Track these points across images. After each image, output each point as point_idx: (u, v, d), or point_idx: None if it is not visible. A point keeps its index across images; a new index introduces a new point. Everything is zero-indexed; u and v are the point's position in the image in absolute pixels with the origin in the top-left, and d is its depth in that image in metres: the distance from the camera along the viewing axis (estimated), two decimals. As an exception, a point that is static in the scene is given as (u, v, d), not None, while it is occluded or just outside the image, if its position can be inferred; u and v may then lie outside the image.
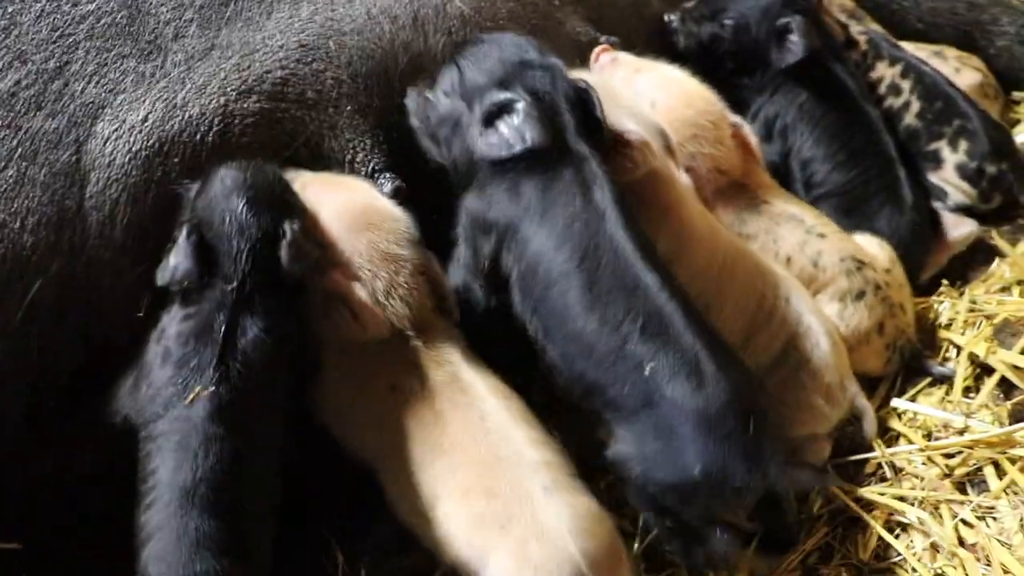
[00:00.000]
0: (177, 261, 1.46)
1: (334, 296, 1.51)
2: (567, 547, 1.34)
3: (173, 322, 1.47)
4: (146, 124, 1.58)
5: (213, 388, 1.39)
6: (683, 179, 1.73)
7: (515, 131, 1.50)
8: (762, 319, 1.74)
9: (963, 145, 2.24)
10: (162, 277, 1.47)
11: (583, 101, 1.58)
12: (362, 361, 1.53)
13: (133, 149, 1.57)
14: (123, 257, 1.55)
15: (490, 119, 1.53)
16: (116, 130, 1.57)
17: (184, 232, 1.48)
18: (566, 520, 1.36)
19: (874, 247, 2.01)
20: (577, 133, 1.56)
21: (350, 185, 1.63)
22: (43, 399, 1.51)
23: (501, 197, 1.54)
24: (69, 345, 1.52)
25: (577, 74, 1.69)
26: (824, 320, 1.81)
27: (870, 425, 1.83)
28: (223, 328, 1.43)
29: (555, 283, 1.48)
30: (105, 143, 1.57)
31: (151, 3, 1.69)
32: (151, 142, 1.58)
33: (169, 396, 1.41)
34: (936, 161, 2.27)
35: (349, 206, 1.56)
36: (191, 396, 1.39)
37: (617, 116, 1.65)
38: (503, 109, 1.52)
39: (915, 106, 2.30)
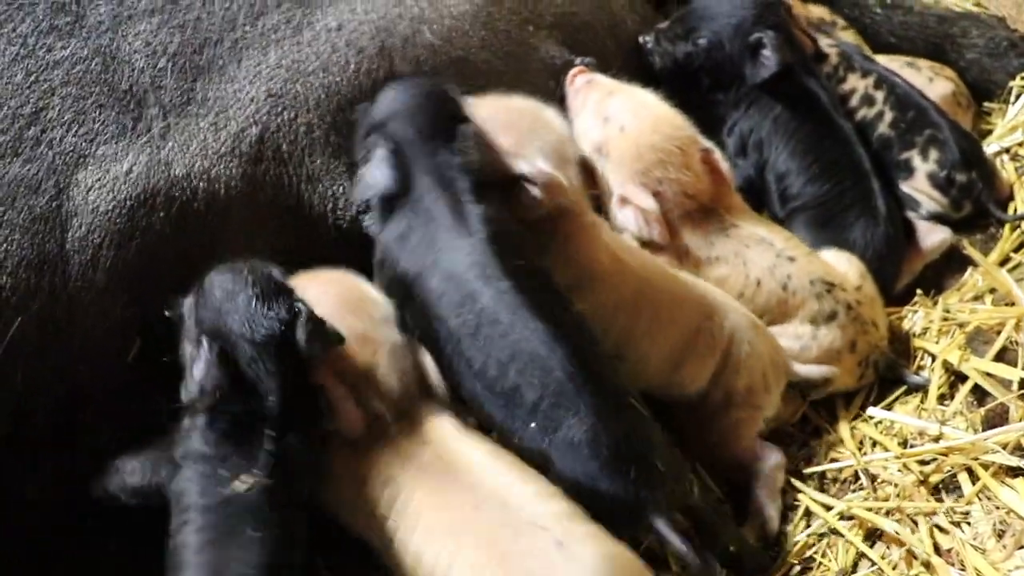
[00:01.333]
0: (203, 373, 1.44)
1: (319, 388, 1.51)
2: None
3: (196, 435, 1.45)
4: (130, 176, 1.62)
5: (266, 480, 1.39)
6: (591, 217, 1.79)
7: (373, 176, 1.61)
8: (696, 347, 1.80)
9: (933, 154, 2.28)
10: (190, 393, 1.45)
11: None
12: (357, 456, 1.53)
13: (118, 198, 1.60)
14: (106, 299, 1.58)
15: (359, 163, 1.65)
16: (99, 179, 1.61)
17: (205, 344, 1.46)
18: (589, 566, 1.35)
19: (843, 263, 2.06)
20: (445, 175, 1.61)
21: (330, 275, 1.64)
22: (26, 433, 1.52)
23: (391, 246, 1.62)
24: (51, 383, 1.54)
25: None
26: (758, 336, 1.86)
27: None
28: (272, 436, 1.41)
29: (444, 337, 1.54)
30: (88, 191, 1.60)
31: (124, 50, 1.72)
32: (136, 192, 1.62)
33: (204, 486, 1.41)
34: (908, 170, 2.31)
35: (334, 294, 1.58)
36: (238, 486, 1.39)
37: (528, 152, 1.69)
38: (366, 156, 1.63)
39: (888, 116, 2.34)
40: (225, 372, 1.43)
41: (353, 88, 1.83)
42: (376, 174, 1.62)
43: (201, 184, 1.66)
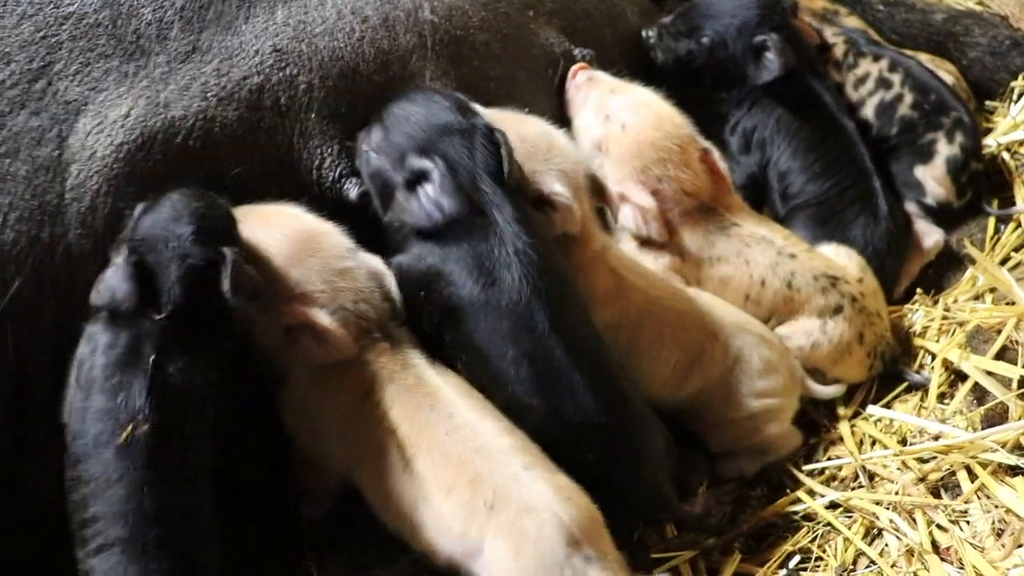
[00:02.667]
0: (115, 282, 1.43)
1: (296, 327, 1.52)
2: (557, 516, 1.42)
3: (98, 349, 1.43)
4: (128, 119, 1.61)
5: (147, 426, 1.37)
6: (601, 238, 1.78)
7: (432, 201, 1.56)
8: (700, 365, 1.83)
9: (959, 137, 2.28)
10: (97, 297, 1.44)
11: (498, 158, 1.62)
12: (330, 374, 1.57)
13: (115, 143, 1.59)
14: (104, 249, 1.56)
15: (411, 185, 1.59)
16: (98, 124, 1.60)
17: (124, 252, 1.47)
18: (550, 494, 1.44)
19: (843, 257, 2.06)
20: (495, 196, 1.59)
21: (279, 214, 1.64)
22: (23, 402, 1.52)
23: (428, 258, 1.60)
24: (50, 341, 1.53)
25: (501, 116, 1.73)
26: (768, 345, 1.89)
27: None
28: (151, 361, 1.40)
29: (486, 350, 1.56)
30: (87, 137, 1.59)
31: (133, 4, 1.73)
32: (133, 136, 1.61)
33: (98, 433, 1.38)
34: (928, 154, 2.30)
35: (288, 235, 1.58)
36: (124, 435, 1.36)
37: (545, 175, 1.69)
38: (421, 176, 1.59)
39: (908, 98, 2.33)
40: (137, 285, 1.42)
41: (356, 55, 1.83)
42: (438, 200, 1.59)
43: (198, 124, 1.66)
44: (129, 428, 1.36)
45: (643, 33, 2.27)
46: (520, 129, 1.71)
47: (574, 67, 2.04)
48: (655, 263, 1.94)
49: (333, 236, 1.61)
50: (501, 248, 1.55)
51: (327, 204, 1.71)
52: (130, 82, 1.66)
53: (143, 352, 1.41)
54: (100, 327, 1.44)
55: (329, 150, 1.77)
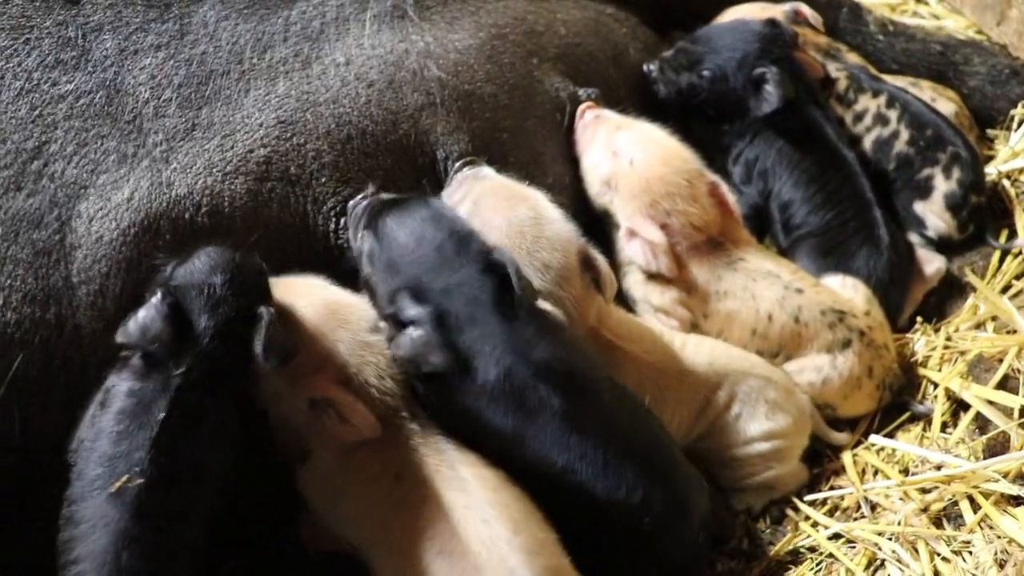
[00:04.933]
0: (149, 320, 1.41)
1: (320, 402, 1.52)
2: None
3: (116, 395, 1.42)
4: (132, 201, 1.63)
5: (141, 480, 1.35)
6: (594, 312, 1.77)
7: (416, 351, 1.53)
8: (704, 414, 1.88)
9: (956, 173, 2.31)
10: (127, 334, 1.42)
11: (503, 285, 1.58)
12: (357, 453, 1.55)
13: (121, 226, 1.62)
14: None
15: (398, 325, 1.56)
16: (101, 208, 1.62)
17: (159, 294, 1.45)
18: None
19: (849, 289, 2.09)
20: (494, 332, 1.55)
21: (306, 284, 1.64)
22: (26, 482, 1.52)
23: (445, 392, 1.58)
24: (55, 421, 1.52)
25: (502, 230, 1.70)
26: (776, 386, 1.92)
27: None
28: (162, 415, 1.38)
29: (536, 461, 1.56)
30: (91, 221, 1.61)
31: (129, 83, 1.75)
32: (139, 218, 1.63)
33: (94, 477, 1.38)
34: (926, 190, 2.34)
35: (315, 305, 1.58)
36: (117, 484, 1.35)
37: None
38: (409, 322, 1.55)
39: (905, 134, 2.37)
40: (172, 325, 1.40)
41: (364, 118, 1.87)
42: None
43: (204, 200, 1.68)
44: (124, 478, 1.36)
45: (645, 67, 2.31)
46: (510, 214, 1.71)
47: (581, 107, 2.08)
48: (662, 297, 1.98)
49: (360, 308, 1.62)
50: (514, 379, 1.54)
51: (345, 267, 1.72)
52: (130, 163, 1.68)
53: (156, 405, 1.40)
54: (123, 373, 1.44)
55: (343, 209, 1.78)
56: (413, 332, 1.53)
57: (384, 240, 1.64)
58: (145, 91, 1.77)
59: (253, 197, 1.73)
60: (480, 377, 1.54)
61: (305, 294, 1.61)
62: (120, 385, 1.43)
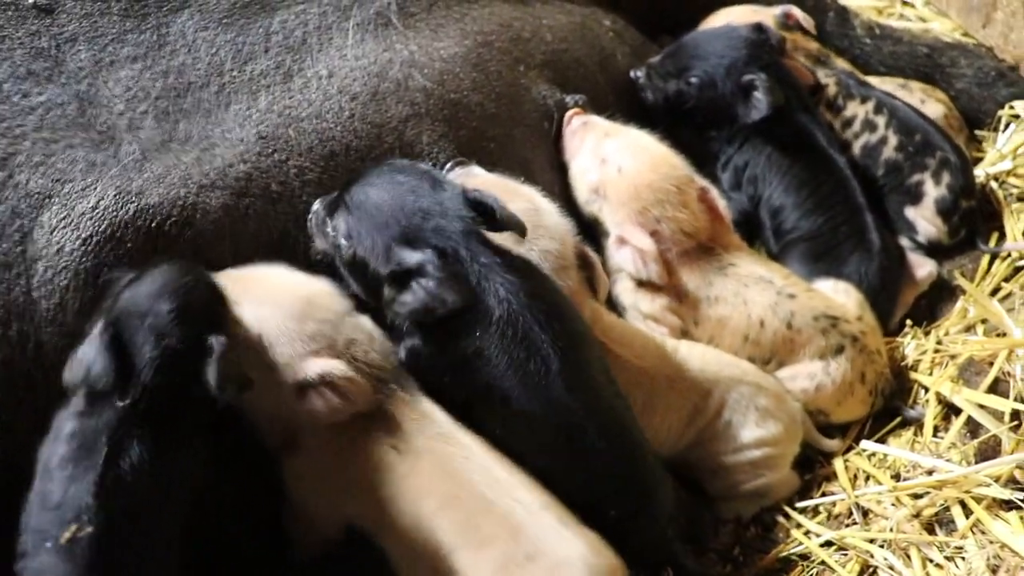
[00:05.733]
0: (90, 357, 1.32)
1: (312, 384, 1.50)
2: (592, 568, 1.44)
3: (60, 437, 1.32)
4: (96, 210, 1.58)
5: (90, 530, 1.26)
6: (589, 310, 1.75)
7: (431, 296, 1.48)
8: (694, 422, 1.87)
9: (946, 178, 2.31)
10: (70, 375, 1.33)
11: (485, 210, 1.58)
12: (348, 430, 1.55)
13: (82, 236, 1.55)
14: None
15: (401, 279, 1.52)
16: (64, 218, 1.56)
17: (100, 325, 1.36)
18: (584, 547, 1.46)
19: (841, 295, 2.09)
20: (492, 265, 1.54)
21: (279, 273, 1.61)
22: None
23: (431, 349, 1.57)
24: (17, 441, 1.45)
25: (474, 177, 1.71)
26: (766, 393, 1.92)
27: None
28: (104, 454, 1.29)
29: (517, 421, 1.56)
30: (52, 232, 1.55)
31: (104, 95, 1.71)
32: (102, 227, 1.56)
33: (41, 528, 1.27)
34: (917, 196, 2.34)
35: (293, 292, 1.56)
36: (66, 535, 1.25)
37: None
38: (414, 271, 1.51)
39: (893, 140, 2.37)
40: (114, 361, 1.31)
41: (347, 133, 1.84)
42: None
43: (175, 211, 1.63)
44: (72, 528, 1.26)
45: (632, 73, 2.30)
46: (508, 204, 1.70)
47: (568, 113, 2.07)
48: (651, 304, 1.97)
49: (332, 291, 1.61)
50: (516, 320, 1.52)
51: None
52: (99, 171, 1.63)
53: (99, 444, 1.30)
54: (68, 412, 1.35)
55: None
56: (421, 279, 1.49)
57: (356, 209, 1.60)
58: (120, 103, 1.73)
59: (228, 212, 1.68)
60: (489, 312, 1.52)
61: (281, 283, 1.59)
62: (64, 425, 1.35)
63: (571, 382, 1.54)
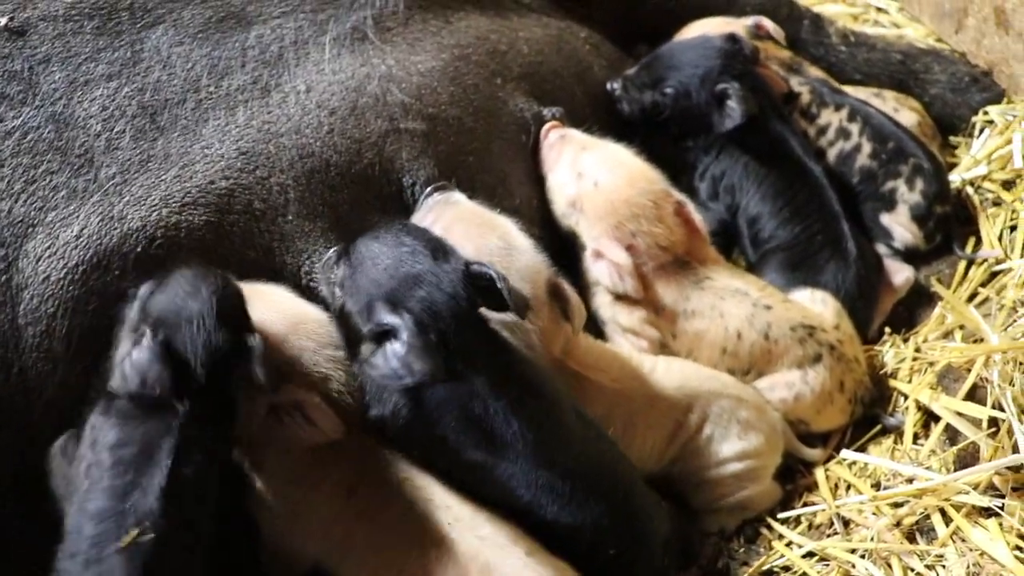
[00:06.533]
0: (145, 364, 1.32)
1: (284, 407, 1.49)
2: None
3: (109, 443, 1.33)
4: (80, 239, 1.58)
5: (152, 535, 1.27)
6: (561, 342, 1.75)
7: (400, 362, 1.45)
8: (676, 437, 1.87)
9: (919, 184, 2.32)
10: (123, 383, 1.33)
11: (486, 287, 1.55)
12: (314, 464, 1.54)
13: (68, 265, 1.56)
14: (64, 369, 1.54)
15: (377, 339, 1.49)
16: (49, 247, 1.57)
17: (149, 332, 1.35)
18: None
19: (818, 304, 2.10)
20: (470, 345, 1.53)
21: (273, 292, 1.62)
22: None
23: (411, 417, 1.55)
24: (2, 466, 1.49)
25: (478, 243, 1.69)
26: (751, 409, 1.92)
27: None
28: (169, 459, 1.31)
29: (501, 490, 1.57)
30: (38, 261, 1.56)
31: (79, 115, 1.70)
32: (88, 255, 1.57)
33: (96, 535, 1.28)
34: (891, 202, 2.35)
35: (282, 313, 1.56)
36: (127, 539, 1.27)
37: None
38: (388, 333, 1.48)
39: (867, 147, 2.38)
40: (170, 368, 1.32)
41: (327, 148, 1.83)
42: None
43: (159, 232, 1.62)
44: (133, 533, 1.28)
45: (608, 85, 2.31)
46: (480, 242, 1.69)
47: (546, 126, 2.07)
48: (630, 317, 1.97)
49: (324, 321, 1.60)
50: (488, 402, 1.52)
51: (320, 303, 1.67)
52: (81, 198, 1.62)
53: (161, 450, 1.32)
54: (106, 420, 1.36)
55: (316, 251, 1.75)
56: (393, 343, 1.46)
57: (356, 261, 1.58)
58: (97, 123, 1.72)
59: (212, 230, 1.68)
60: (459, 392, 1.51)
61: (271, 302, 1.59)
62: (108, 433, 1.35)
63: (547, 457, 1.54)
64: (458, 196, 1.81)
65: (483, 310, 1.58)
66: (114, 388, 1.37)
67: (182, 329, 1.38)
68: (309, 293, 1.74)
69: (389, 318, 1.48)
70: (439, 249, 1.57)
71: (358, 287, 1.55)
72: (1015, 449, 1.82)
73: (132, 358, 1.35)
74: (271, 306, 1.58)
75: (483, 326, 1.58)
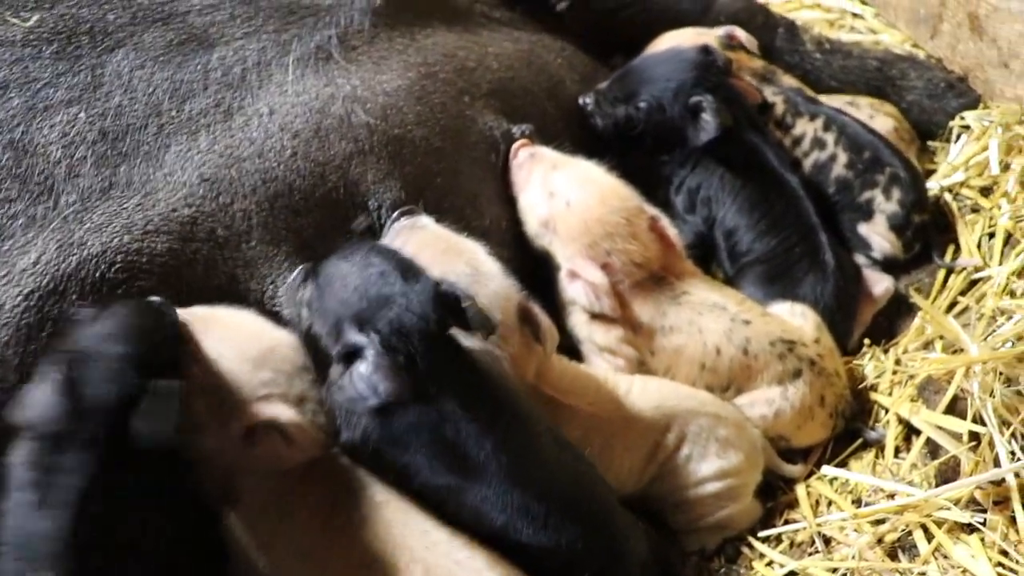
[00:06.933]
0: (42, 397, 1.29)
1: (260, 429, 1.47)
2: None
3: (17, 483, 1.28)
4: (37, 265, 1.55)
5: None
6: (534, 367, 1.73)
7: (365, 382, 1.44)
8: (655, 458, 1.84)
9: (896, 193, 2.30)
10: (20, 415, 1.29)
11: (456, 308, 1.53)
12: (294, 487, 1.52)
13: (24, 292, 1.53)
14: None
15: (345, 360, 1.48)
16: (5, 275, 1.54)
17: (53, 366, 1.33)
18: None
19: (798, 317, 2.07)
20: (439, 365, 1.50)
21: (244, 315, 1.60)
22: None
23: (381, 440, 1.52)
24: None
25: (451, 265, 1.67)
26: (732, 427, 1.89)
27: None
28: (69, 499, 1.26)
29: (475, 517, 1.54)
30: None
31: (39, 142, 1.67)
32: (44, 282, 1.54)
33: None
34: (868, 212, 2.32)
35: (253, 336, 1.54)
36: None
37: None
38: (355, 353, 1.46)
39: (842, 157, 2.36)
40: (70, 402, 1.28)
41: (290, 172, 1.80)
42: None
43: (119, 258, 1.60)
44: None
45: (581, 100, 2.28)
46: (447, 268, 1.67)
47: (515, 145, 2.04)
48: (606, 336, 1.95)
49: (295, 347, 1.58)
50: (459, 424, 1.49)
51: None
52: (39, 225, 1.60)
53: (59, 492, 1.27)
54: (20, 457, 1.30)
55: (280, 277, 1.72)
56: (359, 364, 1.45)
57: (324, 281, 1.56)
58: (57, 150, 1.69)
59: (175, 257, 1.65)
60: (429, 414, 1.49)
61: (243, 325, 1.57)
62: (17, 472, 1.30)
63: (521, 479, 1.52)
64: (425, 220, 1.78)
65: (454, 331, 1.55)
66: (12, 420, 1.33)
67: (87, 366, 1.33)
68: (274, 318, 1.70)
69: (356, 338, 1.46)
70: (408, 270, 1.55)
71: (326, 308, 1.54)
72: (996, 462, 1.80)
73: (31, 390, 1.33)
74: (241, 327, 1.56)
75: (454, 347, 1.55)
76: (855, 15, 2.96)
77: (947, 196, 2.45)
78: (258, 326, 1.59)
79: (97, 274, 1.58)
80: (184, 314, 1.54)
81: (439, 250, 1.70)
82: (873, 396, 2.11)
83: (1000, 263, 2.24)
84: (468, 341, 1.60)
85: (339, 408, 1.52)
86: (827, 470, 1.99)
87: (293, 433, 1.48)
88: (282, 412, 1.48)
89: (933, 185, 2.46)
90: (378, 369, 1.43)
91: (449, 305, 1.52)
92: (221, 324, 1.56)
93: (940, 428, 1.94)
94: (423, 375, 1.47)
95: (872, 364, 2.17)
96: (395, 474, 1.53)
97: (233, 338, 1.53)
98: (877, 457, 2.01)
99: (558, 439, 1.63)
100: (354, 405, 1.47)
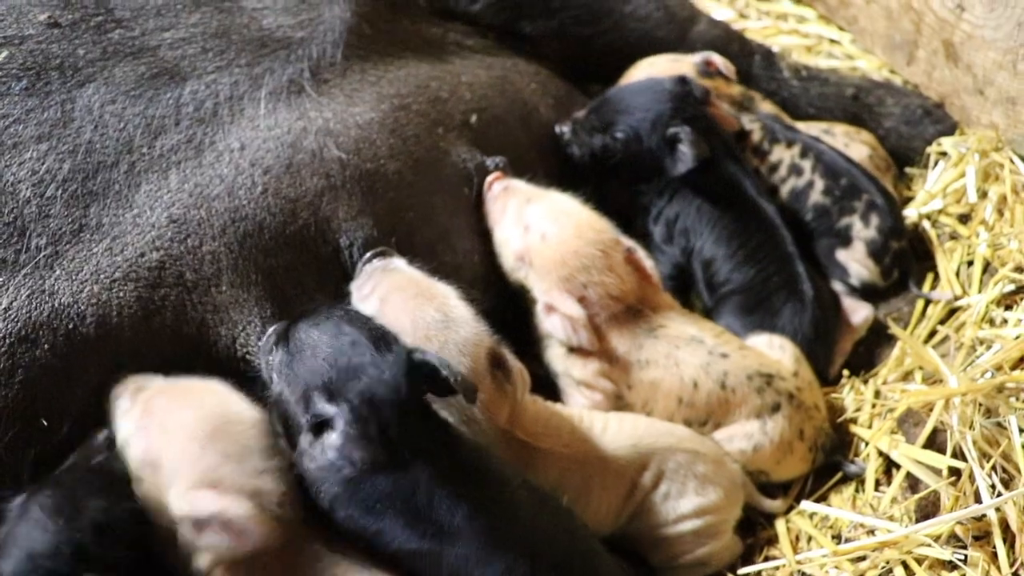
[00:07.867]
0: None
1: (204, 520, 1.40)
2: None
3: None
4: (9, 312, 1.53)
5: None
6: (505, 412, 1.70)
7: (337, 451, 1.44)
8: (632, 497, 1.82)
9: (874, 220, 2.29)
10: None
11: (430, 374, 1.51)
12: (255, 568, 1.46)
13: None
14: None
15: (315, 430, 1.46)
16: None
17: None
18: None
19: (776, 350, 2.05)
20: (412, 433, 1.49)
21: (201, 391, 1.53)
22: None
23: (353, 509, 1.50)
24: None
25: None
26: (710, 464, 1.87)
27: None
28: None
29: None
30: None
31: (8, 180, 1.64)
32: (16, 328, 1.52)
33: None
34: (846, 239, 2.31)
35: (204, 415, 1.48)
36: None
37: None
38: (325, 424, 1.45)
39: (820, 184, 2.35)
40: None
41: (260, 210, 1.77)
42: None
43: (89, 310, 1.57)
44: None
45: (557, 129, 2.26)
46: (417, 315, 1.65)
47: (489, 178, 2.01)
48: (584, 370, 1.92)
49: (254, 425, 1.51)
50: (432, 491, 1.48)
51: (253, 378, 1.63)
52: (11, 270, 1.57)
53: None
54: None
55: (251, 324, 1.69)
56: (330, 434, 1.44)
57: (295, 348, 1.53)
58: (26, 188, 1.65)
59: (143, 305, 1.62)
60: (403, 478, 1.46)
61: (196, 403, 1.50)
62: None
63: (500, 540, 1.50)
64: (397, 262, 1.76)
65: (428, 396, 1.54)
66: None
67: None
68: (245, 364, 1.68)
69: (326, 408, 1.45)
70: (380, 339, 1.52)
71: (296, 375, 1.51)
72: (977, 497, 1.78)
73: None
74: (193, 405, 1.50)
75: (426, 414, 1.54)
76: (832, 41, 2.95)
77: (925, 223, 2.45)
78: (216, 401, 1.53)
79: (70, 326, 1.56)
80: (142, 386, 1.52)
81: (409, 295, 1.68)
82: (853, 428, 2.09)
83: (979, 291, 2.23)
84: (442, 409, 1.59)
85: (310, 477, 1.48)
86: (807, 505, 1.97)
87: (241, 526, 1.41)
88: (227, 504, 1.40)
89: (911, 212, 2.45)
90: (349, 439, 1.43)
91: (424, 373, 1.50)
92: (177, 398, 1.51)
93: (919, 463, 1.92)
94: (395, 444, 1.45)
95: (852, 395, 2.15)
96: (368, 543, 1.50)
97: (184, 415, 1.48)
98: (857, 491, 1.99)
99: (534, 491, 1.60)
100: (324, 475, 1.45)
